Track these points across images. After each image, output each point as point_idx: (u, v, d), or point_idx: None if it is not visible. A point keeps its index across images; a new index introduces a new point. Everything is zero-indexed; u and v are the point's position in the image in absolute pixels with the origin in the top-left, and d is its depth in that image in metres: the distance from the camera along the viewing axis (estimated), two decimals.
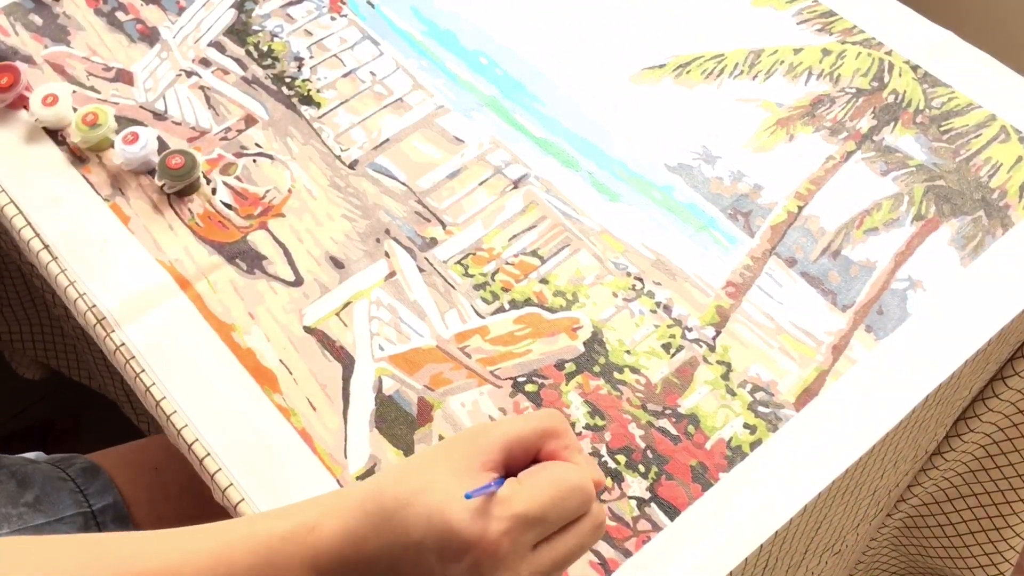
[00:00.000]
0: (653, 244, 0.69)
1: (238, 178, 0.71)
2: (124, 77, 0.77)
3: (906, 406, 0.62)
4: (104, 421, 1.13)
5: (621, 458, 0.59)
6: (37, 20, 0.80)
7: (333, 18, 0.81)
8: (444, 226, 0.69)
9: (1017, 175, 0.73)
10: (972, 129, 0.75)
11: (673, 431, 0.60)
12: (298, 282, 0.66)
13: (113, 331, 0.63)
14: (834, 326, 0.65)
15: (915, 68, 0.79)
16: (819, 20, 0.82)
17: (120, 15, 0.81)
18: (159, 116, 0.75)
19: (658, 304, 0.66)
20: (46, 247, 0.66)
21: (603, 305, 0.66)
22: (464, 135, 0.74)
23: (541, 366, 0.63)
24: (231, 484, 0.57)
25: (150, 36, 0.79)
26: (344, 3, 0.82)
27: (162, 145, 0.72)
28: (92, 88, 0.76)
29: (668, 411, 0.61)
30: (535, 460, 0.44)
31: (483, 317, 0.65)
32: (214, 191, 0.70)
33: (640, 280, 0.67)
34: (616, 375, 0.63)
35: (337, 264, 0.67)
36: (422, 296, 0.66)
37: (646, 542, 0.56)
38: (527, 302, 0.66)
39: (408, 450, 0.60)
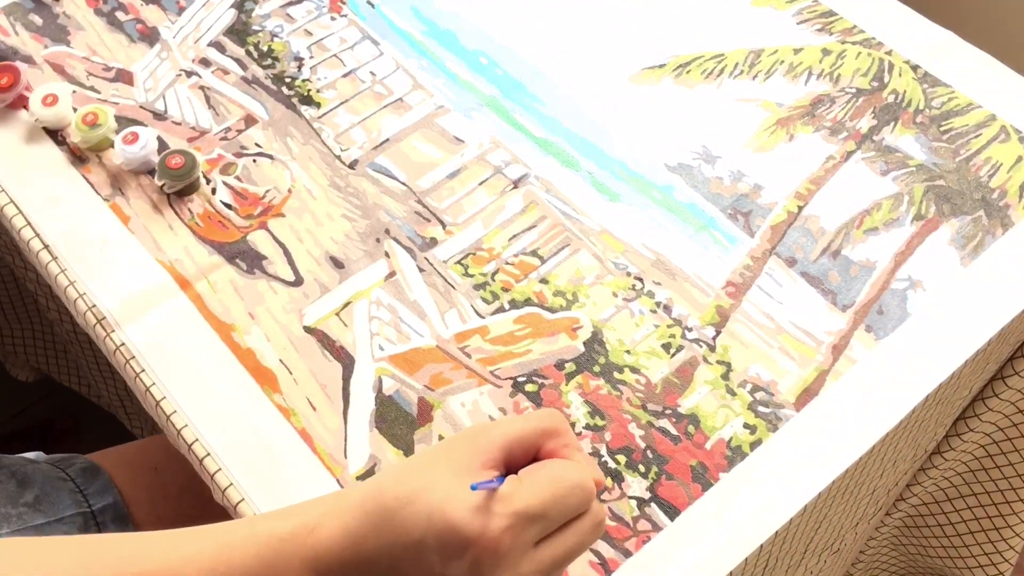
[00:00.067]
0: (653, 244, 0.69)
1: (238, 178, 0.71)
2: (124, 77, 0.77)
3: (906, 406, 0.62)
4: (104, 421, 1.13)
5: (621, 458, 0.59)
6: (37, 20, 0.80)
7: (333, 18, 0.81)
8: (444, 226, 0.69)
9: (1017, 175, 0.73)
10: (972, 129, 0.75)
11: (673, 431, 0.60)
12: (298, 282, 0.66)
13: (113, 331, 0.63)
14: (834, 326, 0.65)
15: (915, 68, 0.79)
16: (819, 20, 0.82)
17: (120, 15, 0.81)
18: (159, 116, 0.75)
19: (658, 304, 0.66)
20: (46, 247, 0.66)
21: (603, 305, 0.66)
22: (464, 135, 0.74)
23: (541, 366, 0.63)
24: (231, 484, 0.57)
25: (150, 36, 0.79)
26: (344, 3, 0.82)
27: (162, 145, 0.72)
28: (92, 88, 0.76)
29: (668, 411, 0.61)
30: (535, 459, 0.44)
31: (483, 317, 0.65)
32: (214, 191, 0.70)
33: (640, 280, 0.67)
34: (616, 375, 0.63)
35: (337, 264, 0.67)
36: (422, 296, 0.66)
37: (646, 542, 0.56)
38: (527, 302, 0.66)
39: (408, 450, 0.59)
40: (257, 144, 0.73)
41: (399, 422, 0.60)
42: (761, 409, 0.61)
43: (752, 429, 0.61)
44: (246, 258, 0.67)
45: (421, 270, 0.67)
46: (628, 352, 0.64)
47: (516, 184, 0.72)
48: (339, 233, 0.69)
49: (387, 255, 0.68)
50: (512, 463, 0.43)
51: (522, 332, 0.64)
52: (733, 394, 0.62)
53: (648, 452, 0.60)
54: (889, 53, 0.80)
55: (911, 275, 0.68)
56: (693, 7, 0.83)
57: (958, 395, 0.74)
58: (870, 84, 0.78)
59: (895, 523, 0.96)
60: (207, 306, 0.65)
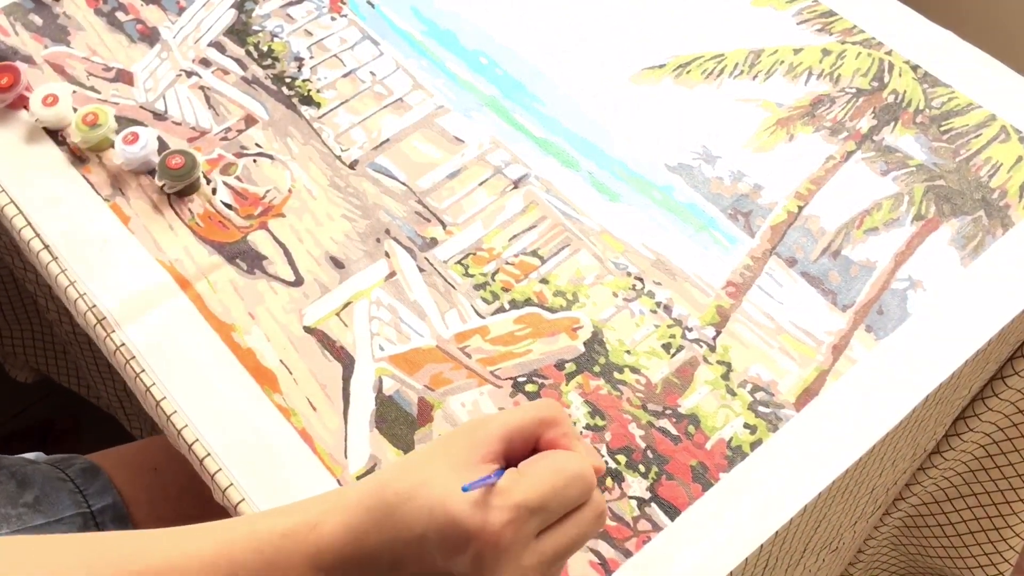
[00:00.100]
0: (653, 244, 0.69)
1: (238, 178, 0.71)
2: (124, 77, 0.77)
3: (906, 406, 0.62)
4: (104, 421, 1.13)
5: (621, 458, 0.59)
6: (37, 20, 0.80)
7: (333, 18, 0.81)
8: (444, 226, 0.69)
9: (1017, 175, 0.73)
10: (972, 129, 0.75)
11: (673, 431, 0.60)
12: (298, 282, 0.66)
13: (113, 331, 0.63)
14: (834, 326, 0.65)
15: (915, 68, 0.79)
16: (819, 20, 0.82)
17: (120, 15, 0.81)
18: (159, 116, 0.75)
19: (658, 304, 0.66)
20: (46, 247, 0.66)
21: (603, 305, 0.66)
22: (464, 135, 0.74)
23: (541, 366, 0.63)
24: (231, 484, 0.57)
25: (150, 36, 0.79)
26: (344, 3, 0.82)
27: (162, 145, 0.72)
28: (92, 88, 0.76)
29: (668, 411, 0.61)
30: (535, 450, 0.44)
31: (483, 317, 0.65)
32: (214, 191, 0.70)
33: (640, 280, 0.67)
34: (616, 375, 0.63)
35: (337, 264, 0.67)
36: (422, 296, 0.66)
37: (646, 542, 0.56)
38: (527, 302, 0.66)
39: (408, 450, 0.59)
40: (257, 144, 0.73)
41: (399, 422, 0.60)
42: (761, 409, 0.61)
43: (752, 429, 0.61)
44: (246, 258, 0.67)
45: (421, 270, 0.67)
46: (628, 352, 0.64)
47: (516, 184, 0.72)
48: (339, 233, 0.69)
49: (387, 255, 0.68)
50: (512, 454, 0.43)
51: (522, 332, 0.64)
52: (733, 394, 0.62)
53: (648, 452, 0.60)
54: (889, 53, 0.80)
55: (911, 275, 0.68)
56: (693, 7, 0.83)
57: (958, 395, 0.74)
58: (870, 84, 0.78)
59: (895, 523, 0.96)
60: (207, 306, 0.65)
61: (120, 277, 0.65)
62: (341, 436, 0.60)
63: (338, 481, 0.58)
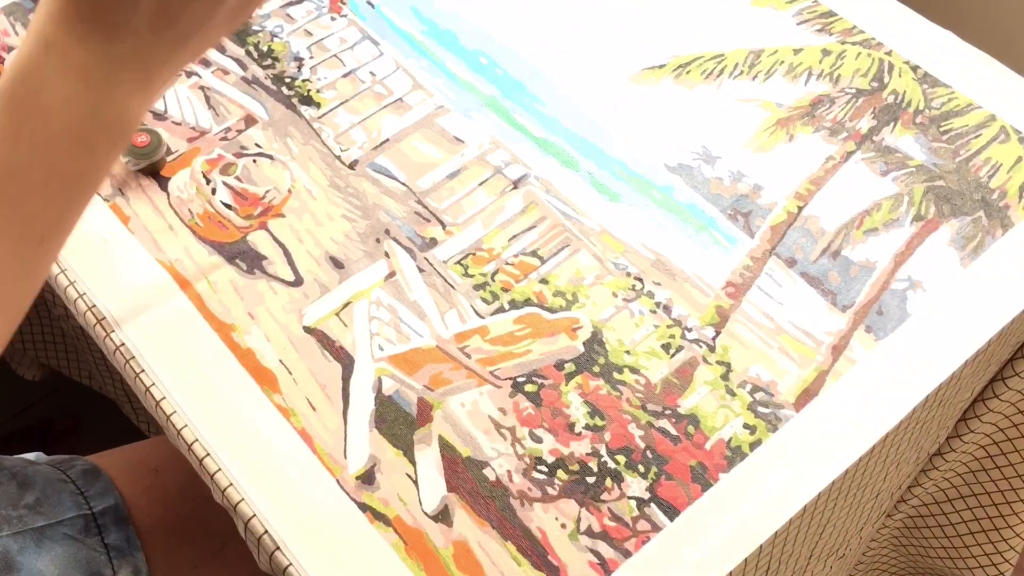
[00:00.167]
0: (653, 244, 0.69)
1: (238, 178, 0.71)
2: None
3: (906, 406, 0.62)
4: (104, 421, 1.13)
5: (621, 458, 0.59)
6: None
7: (333, 18, 0.81)
8: (444, 226, 0.69)
9: (1017, 175, 0.73)
10: (972, 129, 0.75)
11: (673, 431, 0.60)
12: (298, 282, 0.66)
13: (113, 331, 0.63)
14: (834, 326, 0.65)
15: (915, 68, 0.79)
16: (819, 20, 0.82)
17: None
18: (159, 116, 0.75)
19: (658, 304, 0.66)
20: None
21: (603, 305, 0.66)
22: (464, 135, 0.74)
23: (541, 366, 0.63)
24: (231, 484, 0.57)
25: None
26: (344, 3, 0.82)
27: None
28: None
29: (668, 411, 0.61)
30: None
31: (483, 317, 0.65)
32: (214, 191, 0.70)
33: (640, 280, 0.67)
34: (616, 375, 0.63)
35: (337, 264, 0.67)
36: (422, 296, 0.66)
37: (646, 542, 0.56)
38: (527, 302, 0.66)
39: (408, 450, 0.60)
40: (257, 144, 0.73)
41: (399, 422, 0.60)
42: (761, 409, 0.61)
43: (752, 429, 0.61)
44: (246, 258, 0.67)
45: (421, 270, 0.67)
46: (628, 352, 0.64)
47: (516, 184, 0.72)
48: (339, 233, 0.69)
49: (387, 255, 0.68)
50: None
51: (522, 332, 0.64)
52: (733, 394, 0.62)
53: (648, 452, 0.60)
54: (889, 53, 0.80)
55: (911, 276, 0.68)
56: (693, 7, 0.83)
57: (959, 396, 0.74)
58: (870, 84, 0.78)
59: (896, 524, 0.96)
60: (207, 306, 0.65)
61: (120, 277, 0.65)
62: (341, 436, 0.60)
63: (338, 481, 0.58)
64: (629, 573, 0.55)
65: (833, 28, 0.82)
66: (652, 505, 0.58)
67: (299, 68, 0.78)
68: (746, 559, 0.56)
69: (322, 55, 0.79)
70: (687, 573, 0.55)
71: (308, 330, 0.64)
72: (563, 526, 0.57)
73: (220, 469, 0.58)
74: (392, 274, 0.67)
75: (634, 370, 0.63)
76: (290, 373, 0.62)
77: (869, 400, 0.62)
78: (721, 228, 0.70)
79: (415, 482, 0.58)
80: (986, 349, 0.66)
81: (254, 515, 0.56)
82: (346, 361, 0.63)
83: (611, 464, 0.59)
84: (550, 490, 0.58)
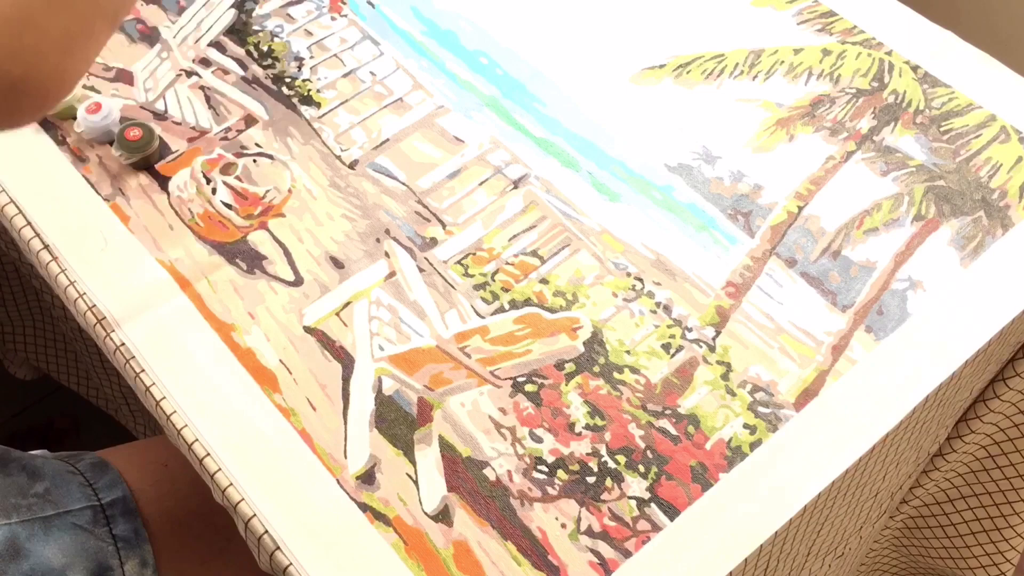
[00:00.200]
0: (653, 244, 0.69)
1: (238, 178, 0.71)
2: (124, 77, 0.77)
3: (906, 406, 0.62)
4: (103, 421, 1.13)
5: (621, 458, 0.59)
6: None
7: (333, 18, 0.81)
8: (444, 226, 0.69)
9: (1017, 175, 0.73)
10: (972, 129, 0.75)
11: (673, 431, 0.60)
12: (298, 282, 0.66)
13: (113, 331, 0.63)
14: (834, 326, 0.65)
15: (915, 68, 0.79)
16: (819, 20, 0.82)
17: None
18: (159, 116, 0.75)
19: (658, 304, 0.66)
20: (46, 247, 0.66)
21: (603, 305, 0.66)
22: (464, 135, 0.74)
23: (541, 366, 0.63)
24: (231, 484, 0.57)
25: (150, 36, 0.79)
26: (344, 3, 0.82)
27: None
28: (92, 88, 0.76)
29: (668, 411, 0.61)
30: None
31: (483, 317, 0.65)
32: (214, 191, 0.70)
33: (640, 280, 0.67)
34: (616, 375, 0.63)
35: (337, 264, 0.67)
36: (422, 296, 0.66)
37: (646, 542, 0.56)
38: (527, 302, 0.66)
39: (408, 450, 0.59)
40: (257, 144, 0.73)
41: (399, 422, 0.60)
42: (761, 409, 0.61)
43: (752, 429, 0.61)
44: (246, 258, 0.67)
45: (421, 270, 0.67)
46: (628, 352, 0.64)
47: (516, 184, 0.72)
48: (339, 233, 0.69)
49: (387, 255, 0.68)
50: None
51: (522, 332, 0.64)
52: (733, 394, 0.62)
53: (648, 452, 0.60)
54: (889, 53, 0.80)
55: (911, 276, 0.68)
56: (693, 7, 0.83)
57: (959, 396, 0.74)
58: (870, 84, 0.78)
59: (897, 524, 0.96)
60: (207, 306, 0.65)
61: (120, 277, 0.65)
62: (341, 436, 0.60)
63: (338, 481, 0.58)
64: (629, 573, 0.55)
65: (833, 28, 0.82)
66: (652, 505, 0.58)
67: (299, 68, 0.78)
68: (746, 559, 0.56)
69: (322, 55, 0.79)
70: (687, 573, 0.55)
71: (308, 330, 0.64)
72: (563, 526, 0.57)
73: (220, 469, 0.58)
74: (392, 274, 0.67)
75: (634, 370, 0.63)
76: (290, 373, 0.62)
77: (869, 400, 0.62)
78: (721, 228, 0.70)
79: (415, 482, 0.58)
80: (986, 349, 0.66)
81: (254, 515, 0.56)
82: (346, 361, 0.63)
83: (611, 464, 0.59)
84: (550, 490, 0.58)
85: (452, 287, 0.66)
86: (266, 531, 0.56)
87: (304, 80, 0.77)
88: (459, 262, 0.67)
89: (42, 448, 0.75)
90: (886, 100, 0.77)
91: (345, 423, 0.60)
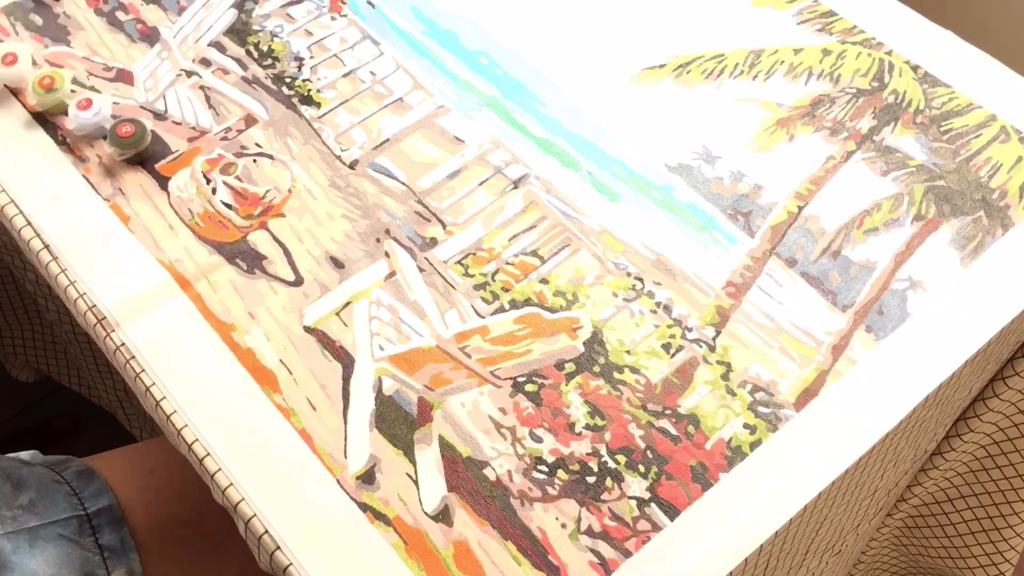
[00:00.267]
0: (653, 244, 0.69)
1: (238, 178, 0.71)
2: (124, 77, 0.77)
3: (906, 406, 0.62)
4: (103, 422, 1.13)
5: (621, 458, 0.59)
6: (37, 20, 0.80)
7: (333, 18, 0.81)
8: (444, 226, 0.69)
9: (1017, 175, 0.73)
10: (972, 129, 0.75)
11: (673, 431, 0.60)
12: (298, 282, 0.66)
13: (113, 331, 0.63)
14: (834, 326, 0.65)
15: (915, 68, 0.79)
16: (819, 20, 0.82)
17: (120, 15, 0.81)
18: (159, 116, 0.75)
19: (658, 304, 0.66)
20: (46, 247, 0.66)
21: (603, 305, 0.66)
22: (464, 135, 0.74)
23: (541, 366, 0.63)
24: (231, 484, 0.57)
25: (150, 36, 0.79)
26: (344, 3, 0.82)
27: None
28: (92, 88, 0.76)
29: (668, 411, 0.61)
30: None
31: (483, 317, 0.65)
32: (214, 191, 0.70)
33: (640, 280, 0.67)
34: (616, 375, 0.63)
35: (337, 264, 0.67)
36: (422, 296, 0.66)
37: (646, 542, 0.56)
38: (527, 302, 0.66)
39: (408, 450, 0.60)
40: (257, 144, 0.73)
41: (399, 422, 0.60)
42: (761, 409, 0.61)
43: (752, 429, 0.61)
44: (246, 258, 0.67)
45: (421, 270, 0.67)
46: (628, 352, 0.64)
47: (516, 184, 0.72)
48: (339, 233, 0.69)
49: (387, 255, 0.68)
50: None
51: (522, 332, 0.64)
52: (733, 394, 0.62)
53: (648, 452, 0.60)
54: (889, 53, 0.80)
55: (911, 275, 0.68)
56: (693, 7, 0.83)
57: (958, 395, 0.74)
58: (870, 84, 0.78)
59: (896, 524, 0.96)
60: (207, 306, 0.65)
61: (120, 277, 0.65)
62: (341, 436, 0.60)
63: (338, 481, 0.58)
64: (629, 573, 0.55)
65: (833, 28, 0.82)
66: (652, 505, 0.58)
67: (299, 68, 0.78)
68: (746, 559, 0.56)
69: (322, 55, 0.79)
70: (687, 573, 0.55)
71: (308, 330, 0.64)
72: (563, 526, 0.57)
73: (220, 469, 0.58)
74: (392, 274, 0.67)
75: (634, 370, 0.63)
76: (290, 373, 0.62)
77: (869, 400, 0.62)
78: (721, 228, 0.70)
79: (415, 482, 0.58)
80: (986, 349, 0.66)
81: (254, 515, 0.56)
82: (346, 361, 0.63)
83: (611, 464, 0.59)
84: (550, 490, 0.58)
85: (452, 287, 0.66)
86: (266, 531, 0.56)
87: (304, 80, 0.77)
88: (459, 262, 0.67)
89: (39, 449, 0.75)
90: (886, 100, 0.77)
91: (345, 423, 0.60)
